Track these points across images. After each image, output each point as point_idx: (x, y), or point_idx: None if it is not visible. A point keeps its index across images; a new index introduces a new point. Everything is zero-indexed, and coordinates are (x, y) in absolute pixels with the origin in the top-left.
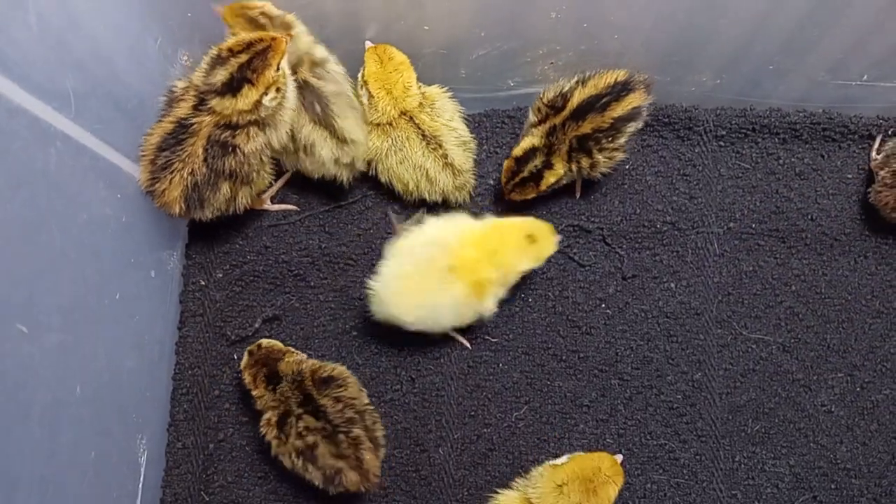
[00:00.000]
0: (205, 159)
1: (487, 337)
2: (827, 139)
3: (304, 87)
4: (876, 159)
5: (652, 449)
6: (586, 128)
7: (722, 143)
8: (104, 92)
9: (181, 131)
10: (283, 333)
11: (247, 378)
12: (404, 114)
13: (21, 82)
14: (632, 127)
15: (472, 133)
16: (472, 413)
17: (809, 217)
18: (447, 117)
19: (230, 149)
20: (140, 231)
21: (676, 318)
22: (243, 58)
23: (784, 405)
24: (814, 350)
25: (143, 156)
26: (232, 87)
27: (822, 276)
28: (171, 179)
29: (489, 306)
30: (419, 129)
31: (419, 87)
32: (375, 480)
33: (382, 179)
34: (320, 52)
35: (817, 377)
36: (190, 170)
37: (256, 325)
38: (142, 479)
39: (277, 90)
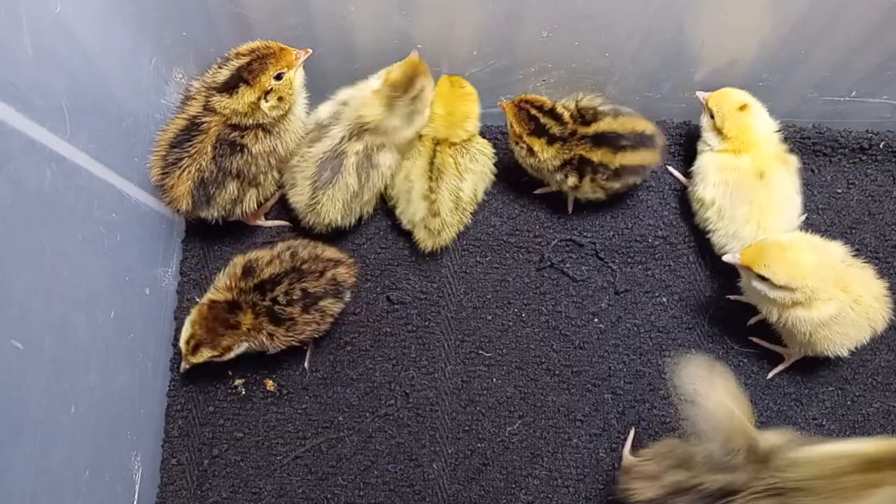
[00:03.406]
0: (213, 157)
1: (481, 352)
2: (817, 153)
3: (362, 157)
4: None
5: None
6: (595, 155)
7: None
8: (99, 112)
9: (192, 128)
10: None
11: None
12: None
13: (15, 104)
14: (630, 180)
15: None
16: (466, 428)
17: (799, 231)
18: (468, 168)
19: (238, 148)
20: (135, 249)
21: (669, 332)
22: (244, 60)
23: (776, 419)
24: (804, 363)
25: (156, 152)
26: (229, 87)
27: None
28: (180, 175)
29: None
30: (432, 155)
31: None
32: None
33: None
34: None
35: (808, 391)
36: (198, 166)
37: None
38: (136, 495)
39: (280, 99)
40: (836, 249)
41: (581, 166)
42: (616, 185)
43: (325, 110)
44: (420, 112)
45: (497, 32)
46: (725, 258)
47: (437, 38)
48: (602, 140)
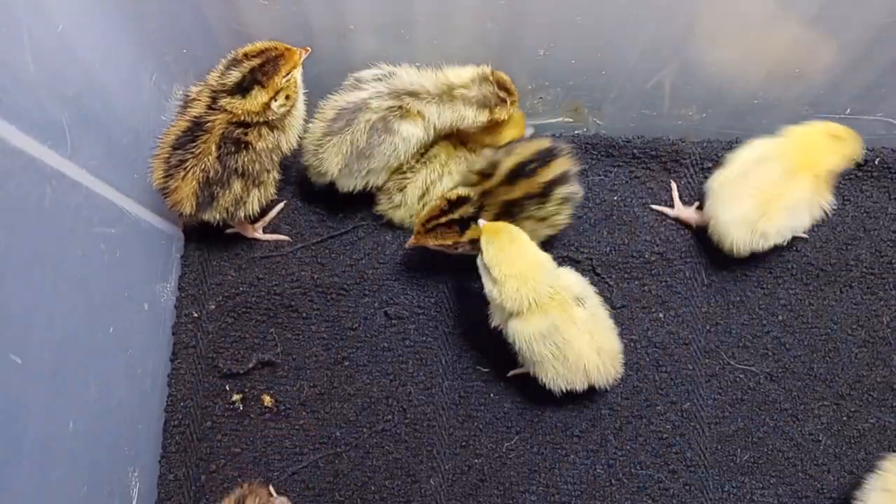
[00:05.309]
0: (218, 156)
1: (479, 367)
2: None
3: (380, 116)
4: None
5: (642, 479)
6: (517, 192)
7: (708, 175)
8: (99, 129)
9: (196, 129)
10: (275, 365)
11: None
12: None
13: (17, 122)
14: (563, 191)
15: None
16: (464, 443)
17: (795, 247)
18: (453, 173)
19: (243, 145)
20: (134, 265)
21: (665, 348)
22: (256, 62)
23: (772, 434)
24: (801, 379)
25: (158, 155)
26: (242, 88)
27: (808, 306)
28: (184, 176)
29: (830, 198)
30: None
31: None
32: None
33: None
34: None
35: (804, 406)
36: (203, 166)
37: (250, 365)
38: None
39: (287, 98)
40: (579, 291)
41: (509, 209)
42: (551, 205)
43: (368, 73)
44: (461, 102)
45: (494, 51)
46: (481, 221)
47: (436, 56)
48: (513, 175)
